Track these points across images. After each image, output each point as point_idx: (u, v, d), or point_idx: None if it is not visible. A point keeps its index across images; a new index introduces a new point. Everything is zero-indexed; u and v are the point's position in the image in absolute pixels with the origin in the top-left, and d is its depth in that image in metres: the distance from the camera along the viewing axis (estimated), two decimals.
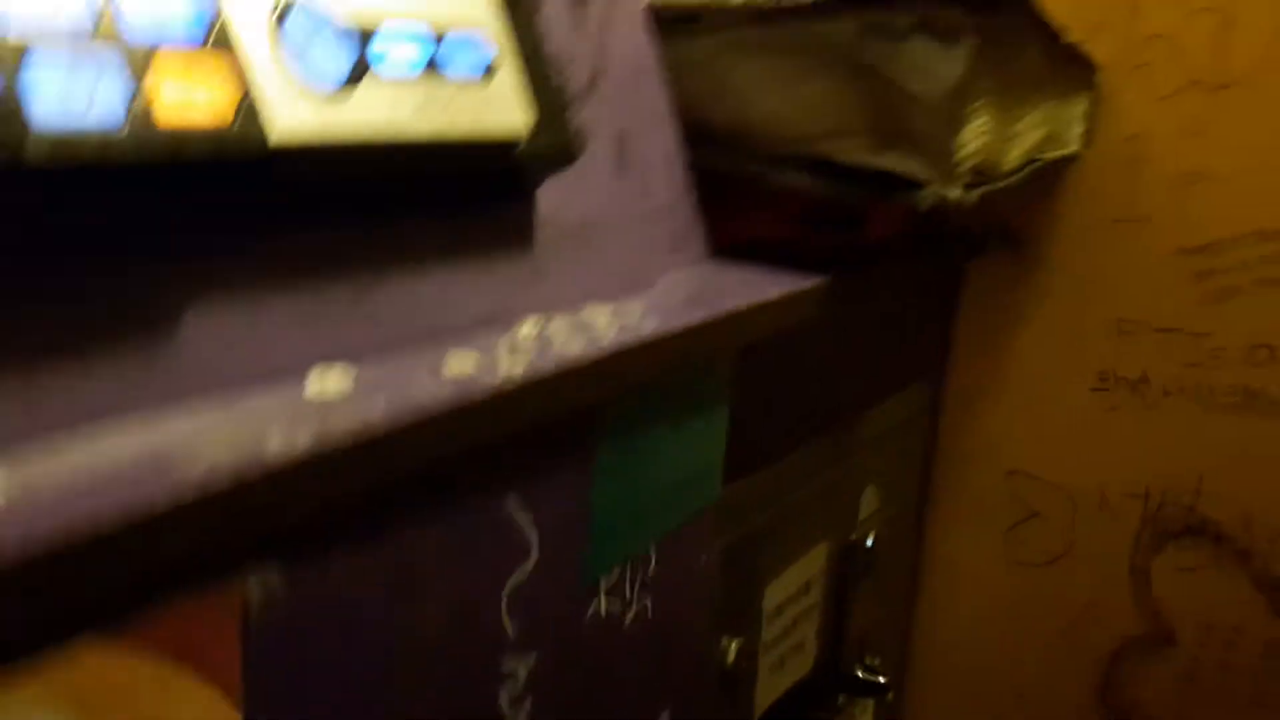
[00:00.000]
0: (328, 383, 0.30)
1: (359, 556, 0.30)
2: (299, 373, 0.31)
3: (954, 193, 0.52)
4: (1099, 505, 0.84)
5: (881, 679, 0.75)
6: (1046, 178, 0.75)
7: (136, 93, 0.26)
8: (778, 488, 0.62)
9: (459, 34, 0.36)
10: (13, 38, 0.24)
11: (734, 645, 0.59)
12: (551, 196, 0.44)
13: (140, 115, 0.26)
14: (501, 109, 0.37)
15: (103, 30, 0.25)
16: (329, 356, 0.32)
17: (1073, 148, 0.76)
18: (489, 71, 0.37)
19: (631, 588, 0.45)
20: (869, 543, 0.74)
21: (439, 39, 0.35)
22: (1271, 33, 0.74)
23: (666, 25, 0.58)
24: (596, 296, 0.45)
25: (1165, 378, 0.80)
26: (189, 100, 0.27)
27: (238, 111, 0.28)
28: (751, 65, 0.57)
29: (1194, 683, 0.82)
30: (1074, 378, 0.83)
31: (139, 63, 0.26)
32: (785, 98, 0.56)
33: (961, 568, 0.91)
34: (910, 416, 0.83)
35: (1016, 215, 0.83)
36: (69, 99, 0.25)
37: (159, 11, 0.27)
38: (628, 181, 0.52)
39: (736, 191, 0.61)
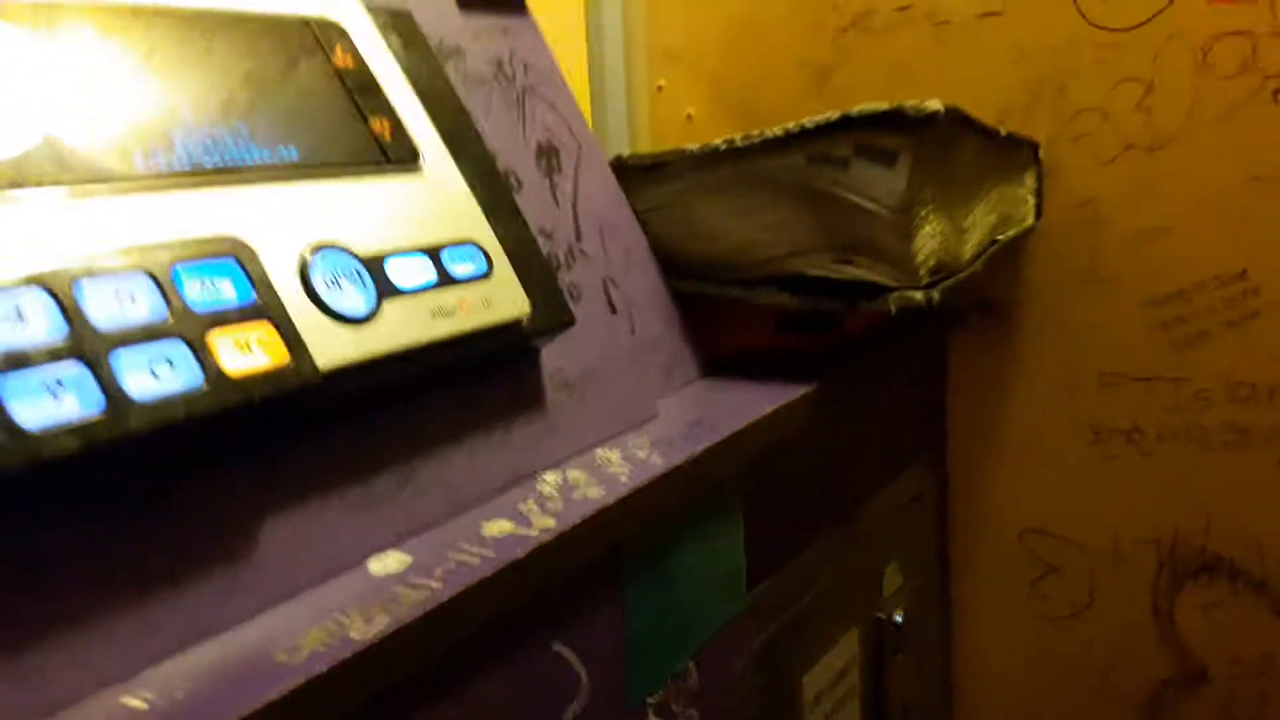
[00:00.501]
0: (388, 566, 0.35)
1: (437, 710, 0.35)
2: (359, 559, 0.36)
3: (919, 294, 0.58)
4: (1113, 554, 0.87)
5: None
6: (1008, 249, 0.81)
7: (208, 354, 0.31)
8: (802, 581, 0.66)
9: (457, 246, 0.42)
10: (103, 329, 0.30)
11: None
12: (554, 355, 0.49)
13: (214, 371, 0.31)
14: (503, 297, 0.43)
15: (175, 312, 0.31)
16: (383, 539, 0.37)
17: (1028, 222, 0.82)
18: (488, 269, 0.42)
19: (677, 702, 0.48)
20: (898, 619, 0.78)
21: (440, 254, 0.41)
22: (1189, 94, 0.80)
23: (631, 174, 0.64)
24: (605, 435, 0.50)
25: (1156, 424, 0.84)
26: (250, 351, 0.32)
27: (291, 353, 0.33)
28: (714, 201, 0.63)
29: (1234, 717, 0.84)
30: (1069, 433, 0.87)
31: (207, 330, 0.32)
32: (749, 226, 0.62)
33: (990, 629, 0.93)
34: (920, 491, 0.87)
35: (986, 285, 0.88)
36: (156, 371, 0.30)
37: (214, 288, 0.33)
38: (618, 324, 0.58)
39: (718, 312, 0.66)
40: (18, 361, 0.28)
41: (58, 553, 0.29)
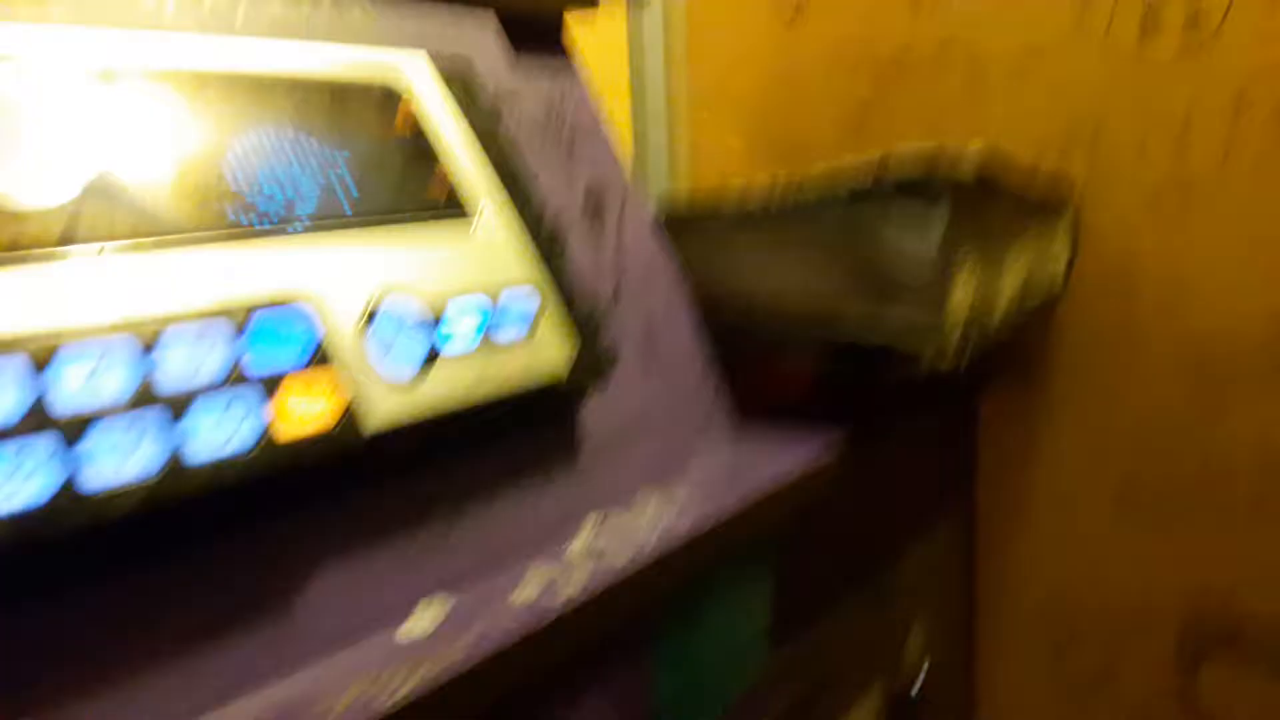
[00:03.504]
0: (424, 621, 0.36)
1: None
2: (405, 607, 0.37)
3: (948, 361, 0.58)
4: (1136, 623, 0.86)
5: None
6: (1036, 316, 0.81)
7: (262, 418, 0.32)
8: (825, 646, 0.65)
9: (510, 292, 0.42)
10: (172, 390, 0.31)
11: None
12: (592, 407, 0.50)
13: (265, 437, 0.32)
14: (545, 355, 0.43)
15: (234, 375, 0.32)
16: (427, 589, 0.38)
17: (1057, 289, 0.82)
18: (534, 324, 0.43)
19: None
20: (919, 681, 0.77)
21: (494, 303, 0.41)
22: (1223, 134, 0.79)
23: (673, 226, 0.65)
24: (640, 487, 0.51)
25: (1184, 491, 0.83)
26: (301, 414, 0.33)
27: (339, 417, 0.34)
28: (754, 245, 0.63)
29: None
30: (1095, 498, 0.86)
31: (264, 393, 0.33)
32: (788, 269, 0.63)
33: (1013, 694, 0.92)
34: (946, 552, 0.86)
35: (1017, 347, 0.88)
36: (215, 433, 0.31)
37: (278, 348, 0.34)
38: (656, 375, 0.58)
39: (754, 366, 0.67)
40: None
41: (105, 608, 0.30)
